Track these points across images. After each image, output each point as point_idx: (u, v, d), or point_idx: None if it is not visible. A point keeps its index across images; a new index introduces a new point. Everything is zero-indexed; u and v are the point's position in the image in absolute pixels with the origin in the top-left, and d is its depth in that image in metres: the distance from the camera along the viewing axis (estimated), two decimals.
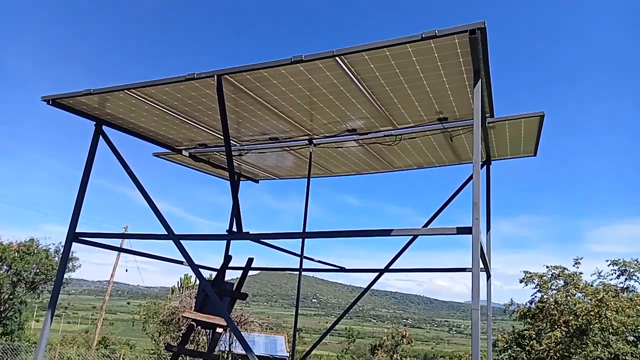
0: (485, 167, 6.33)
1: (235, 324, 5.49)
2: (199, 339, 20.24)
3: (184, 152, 7.00)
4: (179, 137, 6.49)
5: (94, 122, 5.83)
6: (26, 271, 22.84)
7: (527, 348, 17.32)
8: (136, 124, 6.03)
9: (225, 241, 7.44)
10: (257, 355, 4.46)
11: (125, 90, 4.99)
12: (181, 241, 5.10)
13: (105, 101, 5.33)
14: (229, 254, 6.73)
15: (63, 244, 5.70)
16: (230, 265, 6.57)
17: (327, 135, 6.01)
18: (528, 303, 18.57)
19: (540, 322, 17.63)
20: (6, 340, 21.81)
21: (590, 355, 15.32)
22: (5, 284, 22.36)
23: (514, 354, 17.60)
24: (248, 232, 5.14)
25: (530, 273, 18.55)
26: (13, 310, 24.73)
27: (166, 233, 5.21)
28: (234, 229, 5.21)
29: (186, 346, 6.07)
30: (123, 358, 21.49)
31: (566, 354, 16.07)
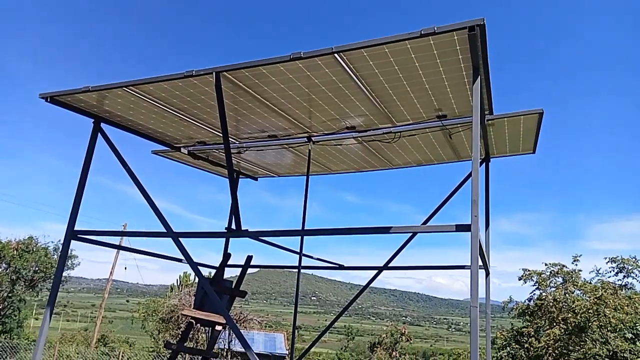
0: (484, 164, 6.33)
1: (235, 321, 5.48)
2: (198, 337, 20.26)
3: (182, 150, 6.98)
4: (178, 135, 6.48)
5: (93, 120, 5.81)
6: (25, 269, 22.82)
7: (525, 345, 17.37)
8: (135, 122, 6.01)
9: (224, 239, 7.44)
10: (256, 353, 4.46)
11: (124, 88, 4.97)
12: (180, 239, 5.09)
13: (104, 98, 5.32)
14: (228, 251, 6.74)
15: (62, 241, 5.69)
16: (229, 263, 6.57)
17: (326, 132, 6.01)
18: (527, 300, 18.63)
19: (539, 320, 17.68)
20: (5, 338, 21.82)
21: (589, 352, 15.37)
22: (4, 282, 22.34)
23: (512, 351, 17.65)
24: (247, 230, 5.14)
25: (529, 270, 18.59)
26: (12, 308, 24.75)
27: (165, 231, 5.20)
28: (233, 226, 5.20)
29: (185, 344, 6.07)
30: (122, 356, 21.51)
31: (565, 351, 16.12)
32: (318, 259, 7.65)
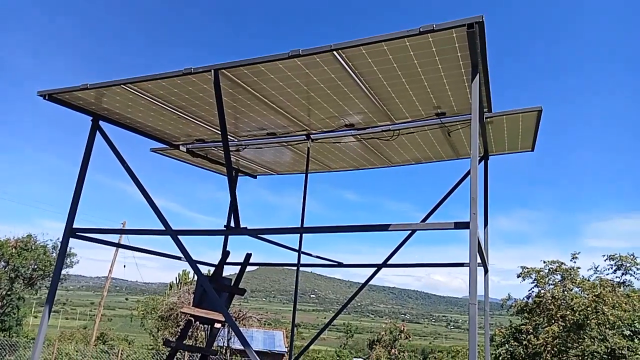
0: (483, 162, 6.33)
1: (234, 319, 5.49)
2: (198, 335, 20.28)
3: (181, 148, 6.97)
4: (176, 133, 6.46)
5: (91, 117, 5.79)
6: (24, 267, 22.79)
7: (524, 342, 17.42)
8: (133, 119, 6.00)
9: (223, 237, 7.44)
10: (255, 351, 4.47)
11: (122, 85, 4.96)
12: (179, 237, 5.09)
13: (102, 96, 5.30)
14: (227, 249, 6.74)
15: (61, 239, 5.67)
16: (228, 260, 6.58)
17: (325, 130, 6.00)
18: (525, 298, 18.66)
19: (538, 317, 17.72)
20: (4, 336, 21.81)
21: (587, 349, 15.42)
22: (3, 280, 22.32)
23: (511, 349, 17.69)
24: (246, 228, 5.14)
25: (527, 268, 18.62)
26: (11, 306, 24.73)
27: (164, 228, 5.20)
28: (232, 224, 5.20)
29: (184, 341, 6.08)
30: (121, 354, 21.52)
31: (563, 348, 16.16)
32: (317, 257, 7.65)
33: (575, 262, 17.99)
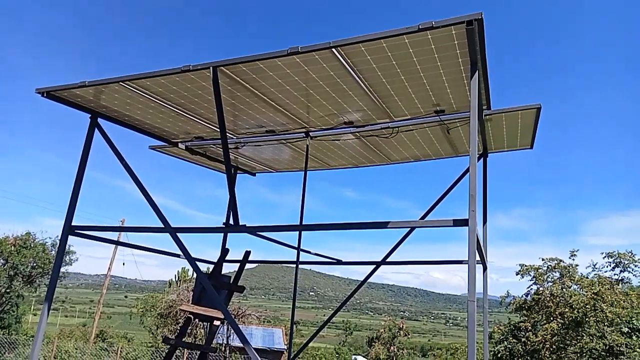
0: (482, 159, 6.33)
1: (233, 316, 5.50)
2: (197, 332, 20.31)
3: (180, 145, 6.96)
4: (175, 130, 6.45)
5: (89, 115, 5.78)
6: (23, 265, 22.78)
7: (523, 340, 17.46)
8: (132, 117, 5.99)
9: (222, 234, 7.44)
10: (254, 348, 4.48)
11: (120, 83, 4.95)
12: (178, 234, 5.09)
13: (100, 93, 5.29)
14: (226, 247, 6.74)
15: (59, 237, 5.67)
16: (227, 258, 6.58)
17: (324, 127, 5.99)
18: (524, 295, 18.70)
19: (536, 314, 17.77)
20: (3, 334, 21.81)
21: (586, 346, 15.46)
22: (2, 278, 22.31)
23: (509, 346, 17.73)
24: (245, 225, 5.13)
25: (526, 265, 18.66)
26: (10, 304, 24.73)
27: (163, 226, 5.20)
28: (231, 222, 5.19)
29: (184, 339, 6.09)
30: (121, 351, 21.55)
31: (561, 345, 16.21)
32: (316, 254, 7.66)
33: (573, 259, 18.04)
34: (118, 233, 19.92)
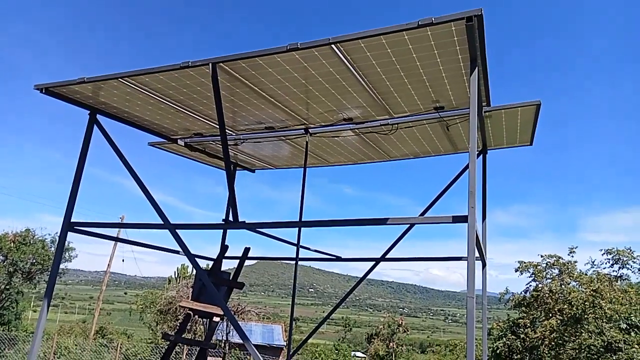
0: (481, 156, 6.33)
1: (232, 313, 5.51)
2: (196, 328, 20.35)
3: (179, 142, 6.96)
4: (175, 127, 6.45)
5: (88, 111, 5.77)
6: (22, 261, 22.80)
7: (521, 336, 17.52)
8: (131, 113, 5.97)
9: (221, 231, 7.44)
10: (254, 344, 4.49)
11: (119, 79, 4.93)
12: (177, 231, 5.09)
13: (99, 90, 5.28)
14: (226, 243, 6.75)
15: (59, 233, 5.67)
16: (227, 255, 6.58)
17: (323, 124, 5.99)
18: (523, 292, 18.75)
19: (535, 311, 17.82)
20: (3, 330, 21.86)
21: (584, 343, 15.51)
22: (1, 274, 22.34)
23: (508, 342, 17.78)
24: (244, 222, 5.14)
25: (525, 262, 18.69)
26: (10, 300, 24.78)
27: (162, 223, 5.20)
28: (231, 218, 5.19)
29: (183, 335, 6.10)
30: (120, 347, 21.59)
31: (560, 341, 16.26)
32: (316, 251, 7.67)
33: (572, 256, 18.07)
34: (117, 229, 19.93)
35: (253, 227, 5.20)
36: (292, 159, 7.66)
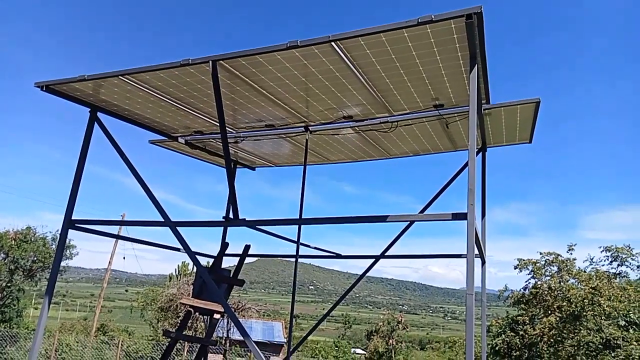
0: (480, 154, 6.34)
1: (233, 310, 5.54)
2: (197, 325, 20.42)
3: (179, 139, 6.97)
4: (175, 124, 6.46)
5: (89, 109, 5.78)
6: (23, 259, 22.82)
7: (520, 333, 17.55)
8: (131, 111, 5.99)
9: (222, 228, 7.46)
10: (254, 341, 4.51)
11: (120, 77, 4.94)
12: (178, 228, 5.11)
13: (100, 87, 5.29)
14: (226, 241, 6.76)
15: (60, 231, 5.69)
16: (227, 252, 6.60)
17: (323, 122, 6.00)
18: (522, 289, 18.78)
19: (534, 308, 17.85)
20: (5, 328, 21.90)
21: (583, 340, 15.55)
22: (2, 272, 22.37)
23: (507, 339, 17.82)
24: (245, 219, 5.16)
25: (524, 260, 18.72)
26: (11, 297, 24.82)
27: (163, 220, 5.22)
28: (231, 216, 5.21)
29: (184, 332, 6.13)
30: (122, 344, 21.65)
31: (559, 338, 16.30)
32: (316, 248, 7.69)
33: (571, 253, 18.08)
34: (118, 227, 19.96)
35: (253, 224, 5.22)
36: (292, 156, 7.67)
